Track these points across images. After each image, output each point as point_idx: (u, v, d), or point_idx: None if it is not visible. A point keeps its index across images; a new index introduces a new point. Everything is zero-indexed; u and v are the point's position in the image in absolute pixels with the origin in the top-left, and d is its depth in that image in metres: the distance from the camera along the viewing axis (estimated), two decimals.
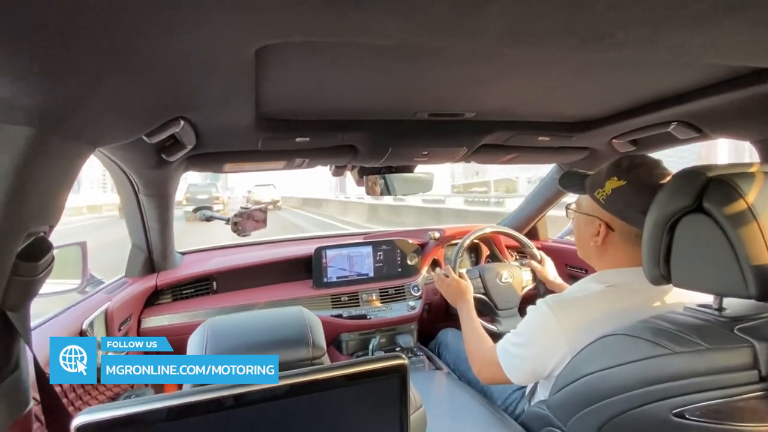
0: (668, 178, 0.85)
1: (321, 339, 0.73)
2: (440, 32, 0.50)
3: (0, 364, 0.56)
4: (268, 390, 0.45)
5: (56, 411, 0.68)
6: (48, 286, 1.12)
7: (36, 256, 0.55)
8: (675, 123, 1.08)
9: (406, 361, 0.49)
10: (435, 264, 2.01)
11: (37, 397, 0.65)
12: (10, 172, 0.47)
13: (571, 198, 1.16)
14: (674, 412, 0.65)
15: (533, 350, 0.89)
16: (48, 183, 0.55)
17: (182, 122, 0.80)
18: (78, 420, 0.38)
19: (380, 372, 0.48)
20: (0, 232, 0.48)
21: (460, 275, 1.48)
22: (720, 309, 0.71)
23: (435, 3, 0.42)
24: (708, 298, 0.73)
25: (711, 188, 0.67)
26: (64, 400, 0.98)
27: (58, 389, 0.95)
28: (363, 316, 1.77)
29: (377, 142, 1.18)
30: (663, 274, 0.74)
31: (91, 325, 1.13)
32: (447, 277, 1.46)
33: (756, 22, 0.51)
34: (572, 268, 1.90)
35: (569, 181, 1.05)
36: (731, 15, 0.48)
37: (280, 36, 0.49)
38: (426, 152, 1.30)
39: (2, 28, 0.34)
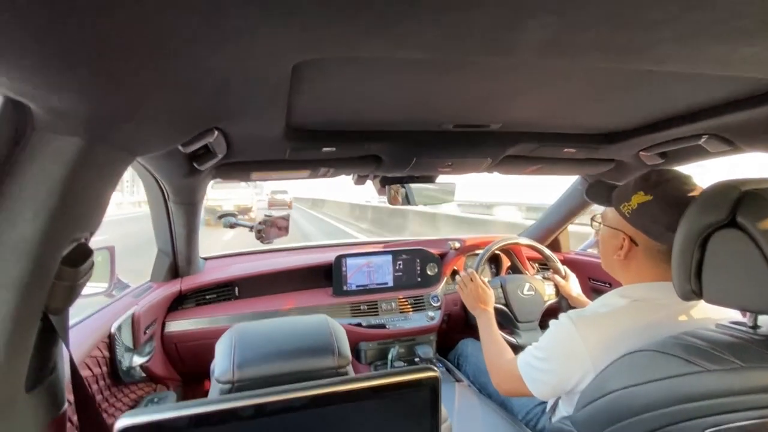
0: (697, 193, 0.84)
1: (346, 348, 0.73)
2: (481, 46, 0.50)
3: (40, 365, 0.58)
4: (297, 399, 0.45)
5: (90, 412, 0.69)
6: None
7: (78, 261, 0.57)
8: (706, 136, 1.05)
9: (438, 374, 0.48)
10: (455, 274, 2.00)
11: (71, 398, 0.67)
12: (59, 181, 0.49)
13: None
14: None
15: (555, 365, 0.88)
16: (91, 191, 0.57)
17: (216, 132, 0.82)
18: (121, 422, 0.39)
19: (411, 384, 0.47)
20: (48, 238, 0.50)
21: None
22: (755, 326, 0.68)
23: (477, 17, 0.42)
24: (736, 315, 0.71)
25: (745, 202, 0.65)
26: None
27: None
28: (382, 326, 1.77)
29: (401, 152, 1.19)
30: (694, 289, 0.72)
31: (119, 328, 1.16)
32: (471, 281, 1.44)
33: None
34: (595, 281, 1.86)
35: (596, 191, 1.04)
36: None
37: (320, 52, 0.50)
38: (450, 163, 1.29)
39: (65, 42, 0.36)
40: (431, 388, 0.48)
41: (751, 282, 0.64)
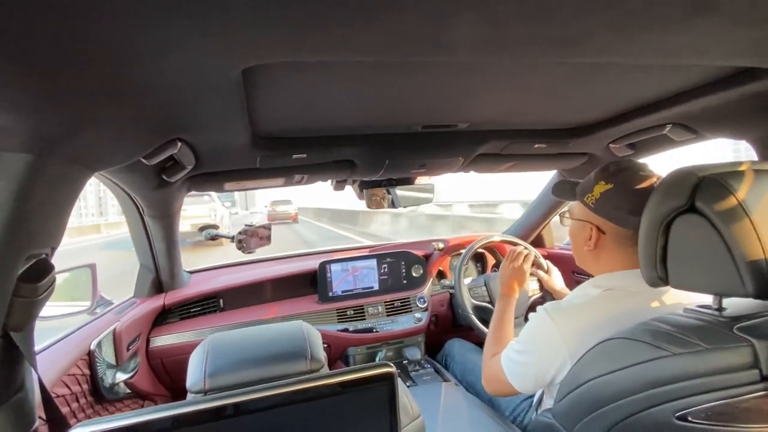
0: (653, 179, 0.87)
1: (319, 352, 0.74)
2: (417, 46, 0.52)
3: (5, 384, 0.57)
4: (259, 399, 0.46)
5: (62, 430, 0.69)
6: (60, 308, 1.15)
7: (37, 277, 0.57)
8: (670, 125, 1.08)
9: (393, 369, 0.49)
10: (441, 275, 2.01)
11: (44, 416, 0.67)
12: (8, 197, 0.49)
13: None
14: (677, 415, 0.63)
15: (534, 357, 0.89)
16: (48, 207, 0.57)
17: (179, 144, 0.83)
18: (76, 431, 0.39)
19: (368, 380, 0.48)
20: (1, 255, 0.50)
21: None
22: (720, 309, 0.69)
23: (404, 19, 0.44)
24: (705, 298, 0.72)
25: (703, 187, 0.67)
26: (74, 420, 0.99)
27: (66, 409, 0.97)
28: (369, 330, 1.77)
29: (373, 155, 1.20)
30: (660, 275, 0.74)
31: (99, 345, 1.15)
32: (523, 261, 1.34)
33: (730, 20, 0.51)
34: (579, 275, 1.88)
35: (561, 189, 1.08)
36: (702, 15, 0.49)
37: (263, 57, 0.51)
38: (423, 164, 1.31)
39: None
40: (388, 384, 0.48)
41: (712, 265, 0.65)
